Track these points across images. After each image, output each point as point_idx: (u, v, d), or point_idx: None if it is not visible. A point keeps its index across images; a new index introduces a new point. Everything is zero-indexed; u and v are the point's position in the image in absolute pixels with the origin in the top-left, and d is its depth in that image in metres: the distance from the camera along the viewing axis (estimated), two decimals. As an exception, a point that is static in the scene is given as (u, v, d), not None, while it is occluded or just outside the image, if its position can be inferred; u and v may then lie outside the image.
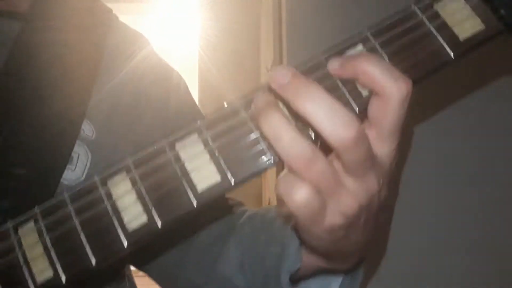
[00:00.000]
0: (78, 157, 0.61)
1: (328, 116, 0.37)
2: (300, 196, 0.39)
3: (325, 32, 1.23)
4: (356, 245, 0.47)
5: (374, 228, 0.46)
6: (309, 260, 0.52)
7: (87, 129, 0.63)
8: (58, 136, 0.59)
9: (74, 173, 0.60)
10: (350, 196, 0.41)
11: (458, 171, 1.18)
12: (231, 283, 0.61)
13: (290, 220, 0.43)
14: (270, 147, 0.41)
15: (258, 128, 0.41)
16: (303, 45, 1.29)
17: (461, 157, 1.18)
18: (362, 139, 0.38)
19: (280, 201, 0.40)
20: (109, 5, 0.74)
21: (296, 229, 0.50)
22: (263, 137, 0.41)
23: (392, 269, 1.14)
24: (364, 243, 0.47)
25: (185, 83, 0.75)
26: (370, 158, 0.39)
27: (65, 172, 0.59)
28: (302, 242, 0.51)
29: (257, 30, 1.74)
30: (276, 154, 0.41)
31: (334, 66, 0.41)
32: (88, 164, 0.61)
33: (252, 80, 1.67)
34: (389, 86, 0.39)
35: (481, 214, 1.17)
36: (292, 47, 1.31)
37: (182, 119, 0.70)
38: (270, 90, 0.41)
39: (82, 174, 0.61)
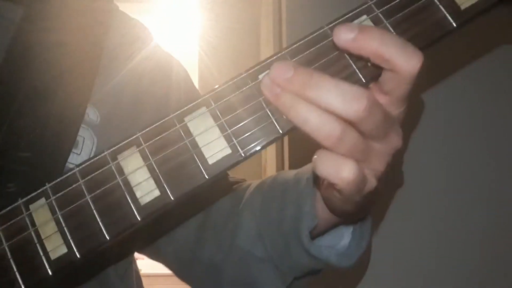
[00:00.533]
0: (83, 141, 0.62)
1: (337, 97, 0.39)
2: (348, 172, 0.40)
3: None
4: (371, 199, 0.48)
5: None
6: (324, 217, 0.54)
7: (92, 114, 0.63)
8: (62, 120, 0.59)
9: (80, 157, 0.61)
10: (379, 158, 0.43)
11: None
12: (251, 254, 0.62)
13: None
14: (281, 118, 0.42)
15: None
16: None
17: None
18: (374, 106, 0.40)
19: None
20: (109, 4, 0.74)
21: (324, 198, 0.52)
22: (272, 109, 0.42)
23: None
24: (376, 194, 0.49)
25: (186, 72, 0.76)
26: (387, 119, 0.41)
27: (71, 156, 0.60)
28: (327, 206, 0.53)
29: (257, 30, 1.75)
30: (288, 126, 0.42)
31: (341, 38, 0.41)
32: (94, 148, 0.62)
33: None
34: (403, 65, 0.40)
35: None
36: (292, 47, 1.31)
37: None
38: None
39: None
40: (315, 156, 0.42)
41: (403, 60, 0.39)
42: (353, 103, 0.39)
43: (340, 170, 0.41)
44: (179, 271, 0.72)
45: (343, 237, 0.58)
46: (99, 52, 0.66)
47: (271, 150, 1.41)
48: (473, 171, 1.18)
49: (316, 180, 0.53)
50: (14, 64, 0.59)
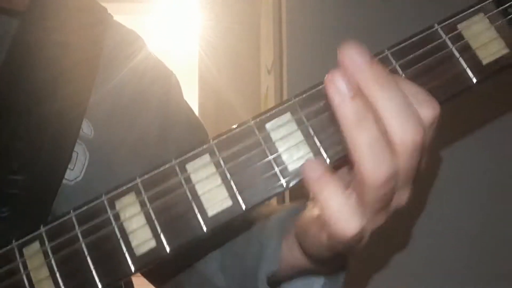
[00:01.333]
0: (77, 156, 0.60)
1: (399, 115, 0.35)
2: (354, 229, 0.38)
3: (325, 32, 1.22)
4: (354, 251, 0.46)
5: None
6: (291, 260, 0.52)
7: (85, 128, 0.61)
8: (58, 138, 0.58)
9: (73, 172, 0.59)
10: (387, 213, 0.41)
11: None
12: (212, 283, 0.61)
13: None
14: (284, 171, 0.40)
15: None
16: (303, 45, 1.28)
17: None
18: (422, 150, 0.37)
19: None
20: (109, 4, 0.72)
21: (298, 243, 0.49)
22: (277, 160, 0.40)
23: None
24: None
25: (180, 87, 0.74)
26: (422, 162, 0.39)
27: None
28: (301, 247, 0.50)
29: (257, 30, 1.73)
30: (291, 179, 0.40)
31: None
32: (86, 163, 0.60)
33: (252, 80, 1.66)
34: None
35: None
36: (292, 47, 1.30)
37: (179, 120, 0.70)
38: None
39: (80, 173, 0.60)
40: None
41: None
42: (411, 130, 0.35)
43: (350, 225, 0.37)
44: None
45: (313, 286, 0.55)
46: (98, 52, 0.64)
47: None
48: (472, 171, 1.17)
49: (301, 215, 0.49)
50: (10, 72, 0.57)
